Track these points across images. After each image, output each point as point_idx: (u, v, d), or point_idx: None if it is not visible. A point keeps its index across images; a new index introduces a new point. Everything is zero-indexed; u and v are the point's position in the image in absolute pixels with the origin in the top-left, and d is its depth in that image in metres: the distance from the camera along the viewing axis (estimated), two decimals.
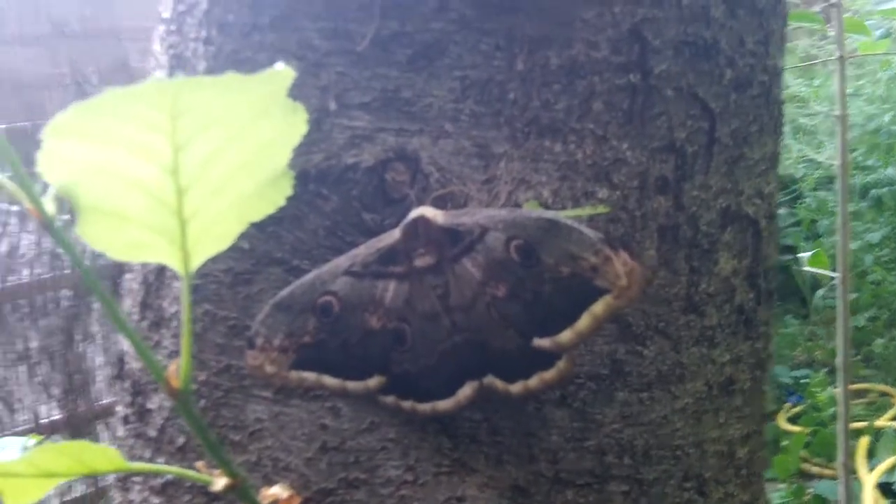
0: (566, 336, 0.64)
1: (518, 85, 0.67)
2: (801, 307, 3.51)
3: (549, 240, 0.62)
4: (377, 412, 0.69)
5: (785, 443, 2.79)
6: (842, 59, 1.53)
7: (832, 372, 2.70)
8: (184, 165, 0.50)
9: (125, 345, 0.78)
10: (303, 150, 0.63)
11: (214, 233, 0.53)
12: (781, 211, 2.69)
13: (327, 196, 0.68)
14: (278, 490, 0.67)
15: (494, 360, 0.66)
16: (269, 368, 0.66)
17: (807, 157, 3.30)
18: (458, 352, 0.66)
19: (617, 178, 0.68)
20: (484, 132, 0.67)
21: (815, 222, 3.49)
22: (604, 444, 0.71)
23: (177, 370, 0.55)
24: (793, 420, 3.03)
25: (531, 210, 0.66)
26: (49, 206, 0.50)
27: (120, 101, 0.46)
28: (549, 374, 0.66)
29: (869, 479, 2.51)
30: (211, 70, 0.71)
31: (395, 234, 0.66)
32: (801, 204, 3.52)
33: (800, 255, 2.73)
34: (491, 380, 0.67)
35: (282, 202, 0.54)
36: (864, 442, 2.70)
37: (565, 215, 0.64)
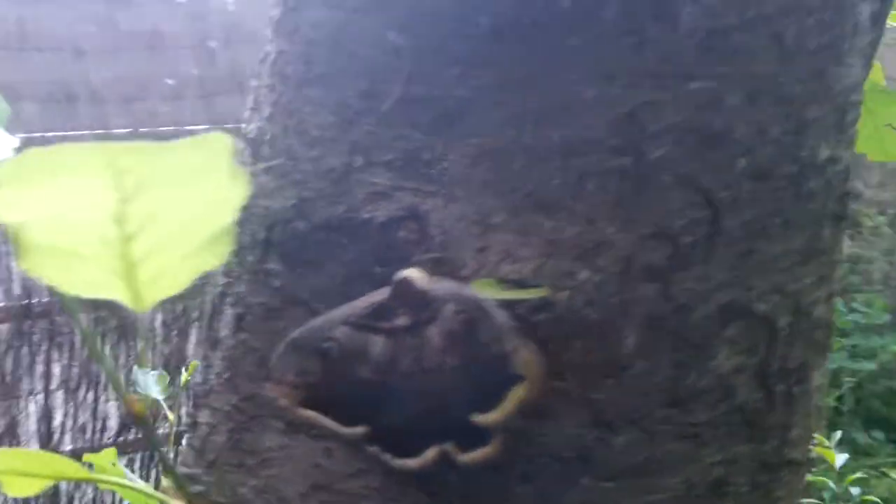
0: (493, 416, 0.64)
1: (523, 158, 0.66)
2: None
3: (483, 319, 0.63)
4: (365, 460, 0.71)
5: None
6: None
7: None
8: (129, 216, 0.53)
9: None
10: (329, 200, 0.66)
11: (166, 278, 0.56)
12: None
13: (346, 246, 0.70)
14: None
15: (453, 428, 0.67)
16: (283, 402, 0.70)
17: None
18: (428, 413, 0.68)
19: (600, 260, 0.66)
20: (488, 200, 0.67)
21: None
22: None
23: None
24: None
25: (476, 287, 0.66)
26: None
27: (67, 157, 0.50)
28: (484, 451, 0.66)
29: None
30: (272, 116, 0.74)
31: (384, 292, 0.68)
32: None
33: None
34: (449, 447, 0.68)
35: (226, 256, 0.56)
36: None
37: (501, 297, 0.63)
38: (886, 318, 4.91)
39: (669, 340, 0.68)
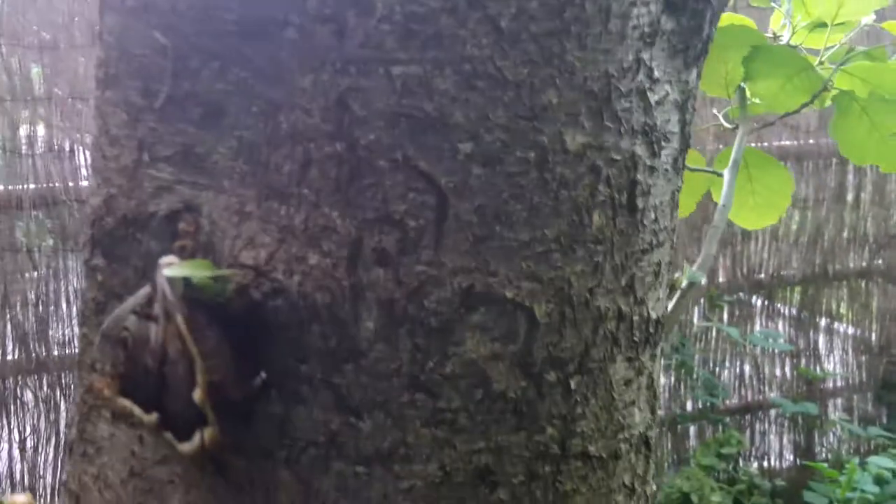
0: (197, 393, 0.67)
1: (266, 148, 0.70)
2: None
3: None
4: (170, 447, 0.75)
5: None
6: None
7: None
8: None
9: None
10: (127, 195, 0.72)
11: None
12: None
13: (140, 239, 0.76)
14: (20, 498, 0.76)
15: (223, 411, 0.70)
16: (107, 392, 0.76)
17: None
18: (189, 397, 0.71)
19: (327, 245, 0.69)
20: (246, 191, 0.71)
21: None
22: None
23: None
24: None
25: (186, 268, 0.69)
26: None
27: None
28: (208, 432, 0.69)
29: None
30: (94, 118, 0.81)
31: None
32: None
33: None
34: (203, 431, 0.71)
35: None
36: None
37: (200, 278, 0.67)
38: None
39: (406, 325, 0.69)
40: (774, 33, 1.27)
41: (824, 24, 1.23)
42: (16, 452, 3.18)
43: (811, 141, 3.80)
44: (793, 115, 1.23)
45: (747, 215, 1.38)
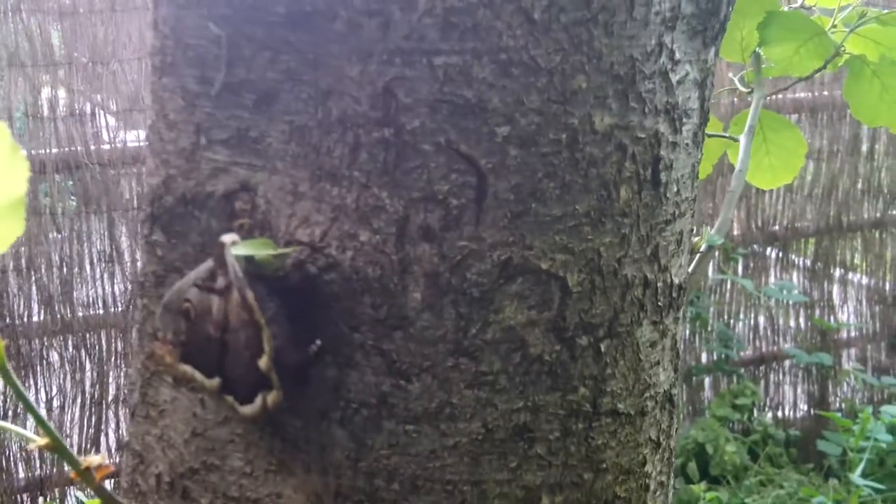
0: (263, 360, 0.73)
1: (317, 132, 0.76)
2: None
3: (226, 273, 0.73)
4: (230, 409, 0.81)
5: None
6: None
7: None
8: None
9: None
10: (185, 176, 0.78)
11: None
12: None
13: (198, 217, 0.82)
14: (97, 458, 0.82)
15: (264, 378, 0.76)
16: (168, 359, 0.82)
17: None
18: (252, 364, 0.77)
19: (377, 223, 0.74)
20: (298, 172, 0.77)
21: None
22: (373, 467, 0.77)
23: None
24: None
25: (249, 247, 0.75)
26: None
27: None
28: (272, 397, 0.75)
29: None
30: (152, 103, 0.87)
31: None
32: None
33: None
34: (264, 395, 0.77)
35: (21, 228, 0.70)
36: None
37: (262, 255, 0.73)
38: None
39: (451, 295, 0.75)
40: None
41: None
42: (42, 412, 3.25)
43: (825, 93, 3.84)
44: (806, 79, 1.28)
45: (762, 175, 1.43)
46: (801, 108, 3.87)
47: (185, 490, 0.85)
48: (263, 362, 0.73)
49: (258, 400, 0.76)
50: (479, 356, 0.75)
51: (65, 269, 3.22)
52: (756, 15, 1.26)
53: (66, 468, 3.15)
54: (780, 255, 4.08)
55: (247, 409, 0.77)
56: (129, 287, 3.31)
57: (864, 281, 4.23)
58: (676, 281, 0.83)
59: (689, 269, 0.96)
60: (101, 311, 3.27)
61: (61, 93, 3.39)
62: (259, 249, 0.74)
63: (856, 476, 3.13)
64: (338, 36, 0.73)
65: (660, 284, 0.81)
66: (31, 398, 3.17)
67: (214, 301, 0.76)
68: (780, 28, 1.28)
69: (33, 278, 3.16)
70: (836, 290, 4.20)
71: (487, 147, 0.73)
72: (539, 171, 0.74)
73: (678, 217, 0.82)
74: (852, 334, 4.21)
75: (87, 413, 3.30)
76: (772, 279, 4.08)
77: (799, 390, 4.16)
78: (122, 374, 3.30)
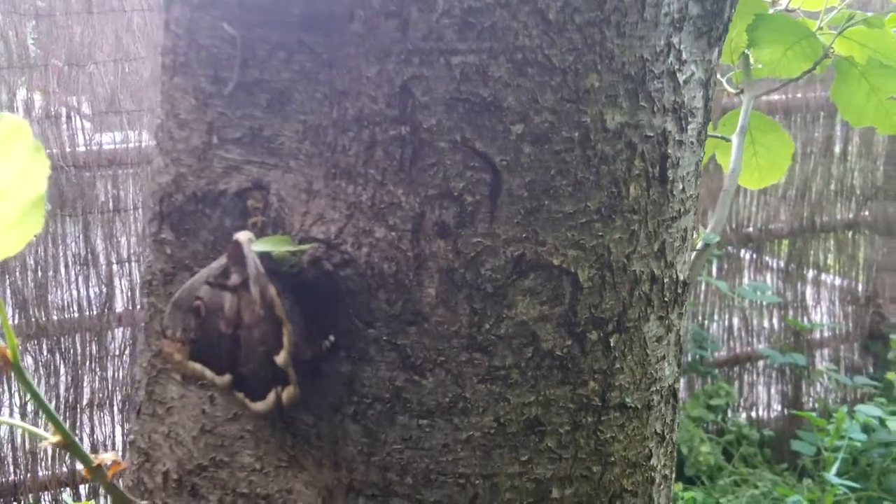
0: (281, 356, 0.74)
1: (332, 131, 0.77)
2: None
3: (245, 269, 0.74)
4: (240, 406, 0.82)
5: None
6: None
7: None
8: None
9: None
10: (196, 175, 0.79)
11: (6, 239, 0.70)
12: None
13: (210, 214, 0.82)
14: (109, 455, 0.83)
15: (278, 374, 0.77)
16: (177, 357, 0.82)
17: None
18: (266, 360, 0.78)
19: (393, 219, 0.75)
20: (312, 170, 0.78)
21: None
22: (387, 461, 0.78)
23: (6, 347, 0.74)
24: None
25: (266, 243, 0.76)
26: None
27: None
28: (288, 392, 0.76)
29: None
30: (161, 103, 0.87)
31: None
32: None
33: None
34: (277, 390, 0.78)
35: (40, 226, 0.70)
36: None
37: (279, 251, 0.74)
38: None
39: (465, 291, 0.76)
40: None
41: None
42: (17, 417, 3.23)
43: (799, 95, 3.87)
44: (796, 80, 1.30)
45: (750, 175, 1.45)
46: (776, 110, 3.90)
47: (193, 487, 0.85)
48: (282, 357, 0.74)
49: (271, 396, 0.77)
50: (492, 351, 0.76)
51: (39, 273, 3.20)
52: (745, 17, 1.28)
53: (41, 472, 3.15)
54: (754, 256, 4.11)
55: (259, 406, 0.78)
56: (105, 290, 3.30)
57: (837, 282, 4.27)
58: (681, 277, 0.84)
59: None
60: (76, 315, 3.25)
61: (36, 95, 3.38)
62: (277, 246, 0.74)
63: (831, 475, 3.15)
64: (355, 37, 0.74)
65: (666, 280, 0.82)
66: (5, 402, 3.16)
67: (227, 298, 0.77)
68: (768, 30, 1.30)
69: (7, 281, 3.14)
70: (809, 290, 4.24)
71: (502, 145, 0.74)
72: (552, 169, 0.75)
73: (683, 214, 0.83)
74: (825, 335, 4.25)
75: (62, 417, 3.28)
76: (746, 280, 4.11)
77: (773, 390, 4.20)
78: (96, 377, 3.29)
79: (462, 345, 0.76)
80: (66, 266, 3.30)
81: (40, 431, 0.80)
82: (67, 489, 3.26)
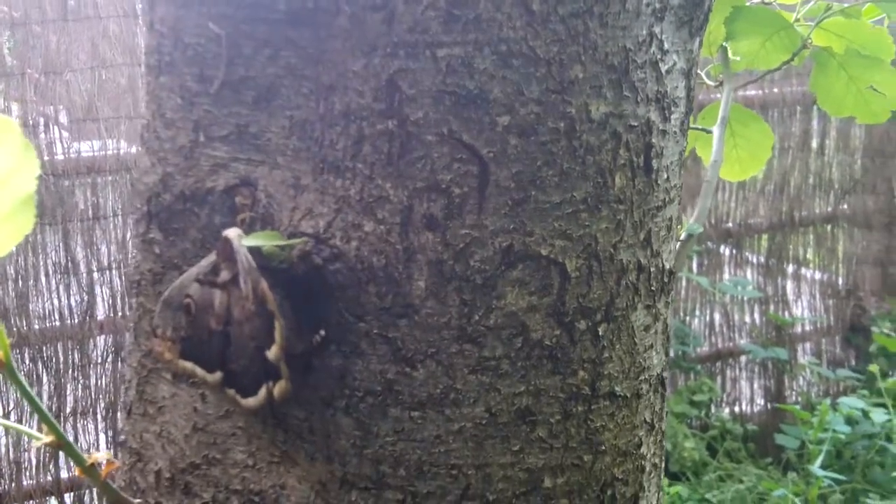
0: (273, 350, 0.74)
1: (319, 126, 0.77)
2: None
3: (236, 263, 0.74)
4: (232, 402, 0.82)
5: None
6: None
7: None
8: None
9: None
10: (183, 173, 0.79)
11: None
12: None
13: (198, 213, 0.82)
14: (101, 455, 0.83)
15: (269, 369, 0.77)
16: (167, 356, 0.82)
17: None
18: (257, 356, 0.78)
19: (381, 213, 0.76)
20: (299, 165, 0.78)
21: None
22: (379, 454, 0.79)
23: None
24: None
25: (256, 238, 0.76)
26: None
27: None
28: (280, 387, 0.76)
29: None
30: (147, 103, 0.87)
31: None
32: None
33: None
34: (269, 385, 0.78)
35: (30, 226, 0.70)
36: None
37: (269, 245, 0.74)
38: None
39: (454, 283, 0.76)
40: None
41: None
42: None
43: (776, 90, 3.89)
44: (774, 71, 1.31)
45: (731, 167, 1.46)
46: (752, 104, 3.91)
47: (186, 485, 0.86)
48: (274, 352, 0.74)
49: (262, 391, 0.77)
50: (482, 342, 0.77)
51: (20, 282, 3.19)
52: (723, 10, 1.29)
53: (25, 482, 3.14)
54: (734, 251, 4.12)
55: (250, 401, 0.78)
56: (86, 298, 3.29)
57: (818, 276, 4.29)
58: (667, 266, 0.85)
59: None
60: (58, 323, 3.24)
61: (13, 105, 3.37)
62: (266, 241, 0.75)
63: (815, 467, 3.17)
64: (341, 31, 0.74)
65: (652, 269, 0.83)
66: None
67: (217, 295, 0.77)
68: (746, 22, 1.31)
69: None
70: (789, 285, 4.26)
71: (489, 136, 0.75)
72: (539, 160, 0.76)
73: (668, 203, 0.84)
74: (807, 328, 4.27)
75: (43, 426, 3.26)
76: (726, 275, 4.12)
77: (755, 385, 4.21)
78: (79, 385, 3.28)
79: (452, 336, 0.77)
80: (47, 275, 3.29)
81: (34, 433, 0.80)
82: (52, 498, 3.25)
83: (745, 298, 4.08)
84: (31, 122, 3.14)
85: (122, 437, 0.91)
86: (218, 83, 0.79)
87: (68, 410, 3.28)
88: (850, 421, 3.44)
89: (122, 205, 3.22)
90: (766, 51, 1.34)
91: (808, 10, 1.34)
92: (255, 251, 0.75)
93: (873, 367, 3.71)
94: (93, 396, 3.28)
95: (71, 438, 2.98)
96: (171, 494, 0.87)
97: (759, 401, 4.19)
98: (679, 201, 0.88)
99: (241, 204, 0.80)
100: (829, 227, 4.26)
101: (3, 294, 3.15)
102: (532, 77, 0.75)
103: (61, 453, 2.66)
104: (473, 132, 0.74)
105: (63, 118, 3.47)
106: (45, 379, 3.26)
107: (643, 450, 0.85)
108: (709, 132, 1.19)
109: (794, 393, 4.20)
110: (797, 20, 1.35)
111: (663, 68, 0.81)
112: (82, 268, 3.28)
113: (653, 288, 0.83)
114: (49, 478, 3.22)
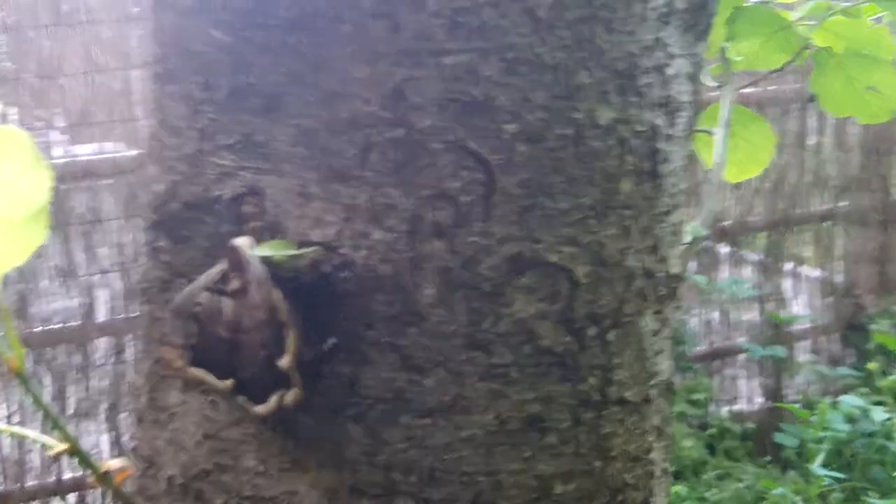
0: (285, 359, 0.74)
1: (325, 134, 0.77)
2: None
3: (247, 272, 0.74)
4: (242, 409, 0.82)
5: None
6: None
7: None
8: None
9: None
10: (190, 182, 0.79)
11: (9, 250, 0.70)
12: None
13: (205, 221, 0.82)
14: (116, 462, 0.83)
15: (279, 377, 0.78)
16: (178, 363, 0.82)
17: None
18: (267, 364, 0.78)
19: (389, 221, 0.76)
20: (306, 174, 0.78)
21: None
22: (390, 461, 0.79)
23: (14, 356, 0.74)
24: None
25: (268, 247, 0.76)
26: None
27: None
28: (292, 395, 0.76)
29: None
30: (153, 112, 0.87)
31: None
32: None
33: None
34: (281, 393, 0.78)
35: (42, 237, 0.70)
36: None
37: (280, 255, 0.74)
38: None
39: (462, 291, 0.76)
40: None
41: None
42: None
43: (772, 88, 3.89)
44: (776, 72, 1.31)
45: (730, 169, 1.46)
46: (748, 103, 3.90)
47: (198, 492, 0.86)
48: (286, 361, 0.74)
49: (273, 399, 0.77)
50: (491, 349, 0.77)
51: (21, 284, 3.20)
52: (723, 11, 1.29)
53: (29, 482, 3.14)
54: (732, 250, 4.13)
55: (260, 409, 0.78)
56: (86, 301, 3.30)
57: (815, 274, 4.30)
58: (674, 271, 0.85)
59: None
60: (59, 326, 3.25)
61: (11, 109, 3.37)
62: (277, 250, 0.75)
63: (816, 466, 3.17)
64: (343, 38, 0.74)
65: (660, 274, 0.83)
66: None
67: (226, 303, 0.77)
68: (746, 23, 1.31)
69: None
70: (787, 283, 4.26)
71: (495, 144, 0.75)
72: (546, 166, 0.76)
73: (674, 208, 0.84)
74: (805, 327, 4.27)
75: (48, 428, 3.25)
76: (724, 274, 4.13)
77: (754, 384, 4.22)
78: (81, 388, 3.28)
79: (461, 344, 0.77)
80: (50, 278, 3.30)
81: (49, 440, 0.80)
82: (56, 498, 3.26)
83: (743, 297, 4.09)
84: (27, 126, 3.14)
85: (134, 444, 0.91)
86: (224, 91, 0.79)
87: (70, 412, 3.29)
88: (849, 419, 3.44)
89: (121, 208, 3.22)
90: (765, 51, 1.35)
91: (810, 8, 1.34)
92: (263, 260, 0.75)
93: (871, 366, 3.72)
94: (95, 398, 3.29)
95: None
96: (184, 501, 0.87)
97: (758, 399, 4.19)
98: (683, 206, 0.88)
99: (249, 212, 0.80)
100: (826, 225, 4.26)
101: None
102: (538, 83, 0.75)
103: (65, 455, 2.67)
104: (479, 139, 0.75)
105: (59, 122, 3.47)
106: (46, 381, 3.26)
107: (653, 455, 0.85)
108: (711, 134, 1.19)
109: (792, 391, 4.21)
110: (797, 20, 1.36)
111: (669, 73, 0.81)
112: (82, 270, 3.28)
113: (661, 293, 0.83)
114: (52, 478, 3.22)
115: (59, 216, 3.18)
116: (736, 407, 4.19)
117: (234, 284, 0.77)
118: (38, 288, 3.27)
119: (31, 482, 3.22)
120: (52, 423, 0.79)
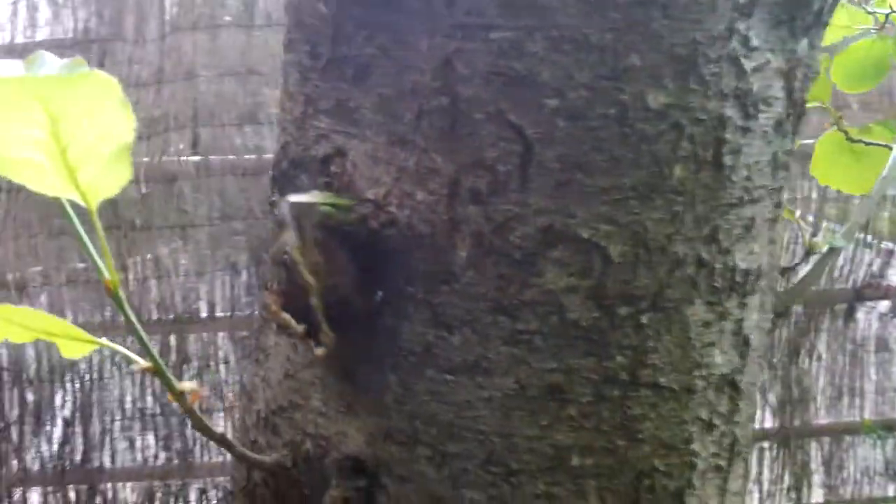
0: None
1: (395, 101, 0.83)
2: None
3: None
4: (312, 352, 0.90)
5: None
6: None
7: None
8: (60, 133, 0.78)
9: None
10: (296, 142, 0.88)
11: (99, 182, 0.80)
12: None
13: (303, 178, 0.90)
14: (189, 384, 0.92)
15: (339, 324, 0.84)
16: (273, 307, 0.91)
17: None
18: (329, 307, 0.85)
19: (432, 184, 0.81)
20: (378, 139, 0.84)
21: None
22: (416, 411, 0.84)
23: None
24: None
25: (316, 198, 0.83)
26: None
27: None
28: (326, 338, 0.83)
29: None
30: (282, 80, 0.96)
31: None
32: None
33: None
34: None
35: (129, 174, 0.79)
36: None
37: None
38: None
39: (494, 256, 0.80)
40: None
41: None
42: None
43: None
44: None
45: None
46: None
47: (274, 426, 0.93)
48: (314, 301, 0.79)
49: (328, 343, 0.83)
50: (516, 315, 0.79)
51: None
52: None
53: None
54: None
55: (318, 351, 0.85)
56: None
57: None
58: (743, 266, 0.84)
59: (805, 269, 0.97)
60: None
61: None
62: (320, 199, 0.80)
63: None
64: (415, 12, 0.79)
65: (717, 266, 0.82)
66: None
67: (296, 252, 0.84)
68: None
69: None
70: None
71: (535, 117, 0.77)
72: (586, 143, 0.77)
73: (748, 203, 0.83)
74: None
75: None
76: None
77: None
78: None
79: (488, 306, 0.80)
80: None
81: (132, 355, 0.89)
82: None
83: None
84: None
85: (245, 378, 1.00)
86: (324, 59, 0.86)
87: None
88: None
89: None
90: None
91: None
92: (326, 214, 0.81)
93: None
94: None
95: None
96: (265, 434, 0.95)
97: None
98: (777, 204, 0.87)
99: (335, 172, 0.86)
100: None
101: None
102: (584, 63, 0.76)
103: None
104: (520, 112, 0.77)
105: None
106: None
107: (695, 446, 0.85)
108: (891, 148, 1.15)
109: None
110: None
111: (748, 65, 0.80)
112: None
113: (717, 285, 0.82)
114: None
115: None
116: None
117: (292, 234, 0.83)
118: None
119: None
120: (139, 341, 0.87)
